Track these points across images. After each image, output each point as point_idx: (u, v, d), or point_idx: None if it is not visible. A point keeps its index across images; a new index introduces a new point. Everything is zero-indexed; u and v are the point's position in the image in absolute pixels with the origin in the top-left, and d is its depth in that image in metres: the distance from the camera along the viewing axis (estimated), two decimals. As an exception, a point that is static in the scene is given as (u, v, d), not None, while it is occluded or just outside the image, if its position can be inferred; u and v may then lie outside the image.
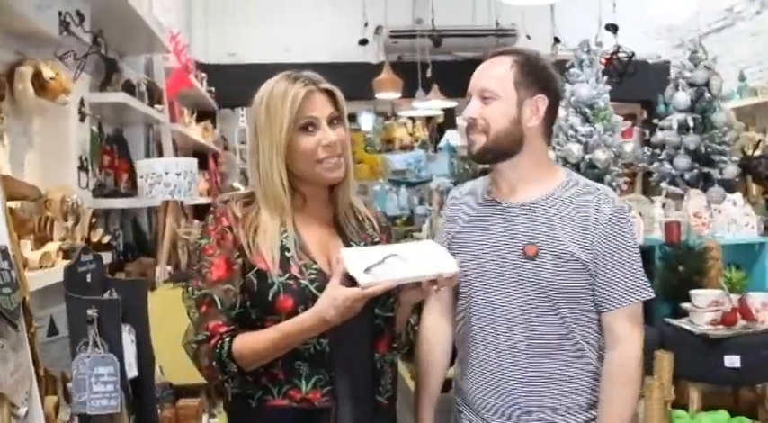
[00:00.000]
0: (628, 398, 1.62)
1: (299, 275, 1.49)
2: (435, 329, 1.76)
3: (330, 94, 1.55)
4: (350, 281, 1.39)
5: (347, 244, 1.58)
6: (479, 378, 1.66)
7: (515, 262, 1.61)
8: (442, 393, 1.80)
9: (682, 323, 2.90)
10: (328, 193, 1.61)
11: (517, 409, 1.63)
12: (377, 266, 1.40)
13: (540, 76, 1.65)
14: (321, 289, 1.46)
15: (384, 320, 1.58)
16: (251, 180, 1.59)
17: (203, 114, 5.99)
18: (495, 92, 1.61)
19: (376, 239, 1.64)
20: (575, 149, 3.49)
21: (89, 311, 1.40)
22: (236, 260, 1.50)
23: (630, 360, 1.62)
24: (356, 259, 1.42)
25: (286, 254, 1.51)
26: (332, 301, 1.39)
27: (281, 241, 1.52)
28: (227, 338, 1.46)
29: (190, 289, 1.51)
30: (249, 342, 1.45)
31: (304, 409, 1.49)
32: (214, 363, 1.46)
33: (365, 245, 1.60)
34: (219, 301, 1.47)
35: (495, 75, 1.63)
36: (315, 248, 1.55)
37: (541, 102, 1.63)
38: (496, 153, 1.64)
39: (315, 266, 1.51)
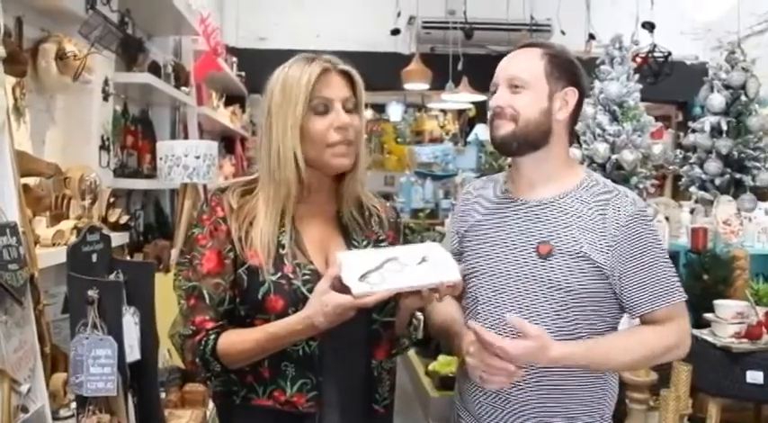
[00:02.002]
0: (643, 345, 1.55)
1: (291, 275, 1.42)
2: (445, 304, 1.68)
3: (348, 77, 1.48)
4: (344, 285, 1.32)
5: (349, 242, 1.51)
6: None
7: (528, 261, 1.55)
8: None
9: (703, 334, 2.81)
10: (334, 185, 1.53)
11: (520, 418, 1.57)
12: (373, 273, 1.33)
13: (570, 70, 1.60)
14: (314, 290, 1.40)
15: (383, 326, 1.51)
16: (259, 164, 1.52)
17: (233, 99, 6.00)
18: (527, 81, 1.56)
19: (381, 237, 1.57)
20: (601, 149, 3.40)
21: (89, 292, 1.38)
22: (228, 254, 1.45)
23: (670, 331, 1.55)
24: (352, 264, 1.34)
25: (280, 251, 1.44)
26: (322, 307, 1.32)
27: (278, 238, 1.45)
28: (213, 336, 1.42)
29: (180, 278, 1.47)
30: (234, 341, 1.41)
31: (288, 412, 1.44)
32: (197, 360, 1.43)
33: (368, 243, 1.53)
34: (208, 295, 1.43)
35: (526, 64, 1.58)
36: (312, 247, 1.48)
37: (572, 95, 1.59)
38: (522, 142, 1.57)
39: (310, 267, 1.44)
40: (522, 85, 1.56)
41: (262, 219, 1.46)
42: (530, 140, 1.57)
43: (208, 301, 1.43)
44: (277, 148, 1.44)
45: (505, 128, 1.57)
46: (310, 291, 1.39)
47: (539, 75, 1.56)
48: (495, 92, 1.61)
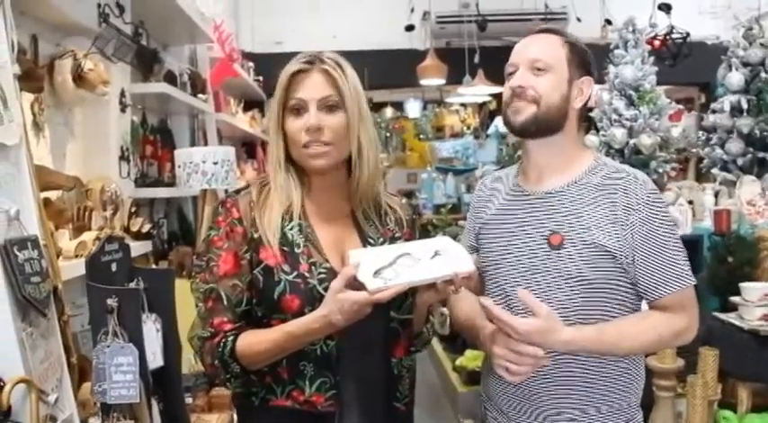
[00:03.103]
0: (653, 330, 1.53)
1: (307, 274, 1.43)
2: (469, 300, 1.68)
3: (330, 75, 1.45)
4: (359, 282, 1.33)
5: (364, 240, 1.52)
6: None
7: (540, 252, 1.55)
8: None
9: (730, 318, 2.76)
10: (347, 184, 1.54)
11: (546, 410, 1.56)
12: (387, 269, 1.34)
13: (586, 60, 1.61)
14: None
15: (401, 323, 1.52)
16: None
17: (251, 104, 6.04)
18: (550, 63, 1.55)
19: (397, 235, 1.57)
20: (618, 134, 3.35)
21: (109, 301, 1.41)
22: (244, 255, 1.46)
23: (679, 316, 1.54)
24: (365, 262, 1.35)
25: (295, 250, 1.45)
26: (339, 305, 1.33)
27: (291, 235, 1.47)
28: (231, 337, 1.43)
29: (197, 281, 1.48)
30: (252, 342, 1.42)
31: (307, 411, 1.45)
32: (216, 361, 1.44)
33: (384, 241, 1.53)
34: (226, 296, 1.44)
35: (549, 47, 1.57)
36: (327, 245, 1.48)
37: (587, 84, 1.60)
38: (542, 126, 1.56)
39: (325, 265, 1.45)
40: (546, 67, 1.55)
41: (271, 206, 1.49)
42: (548, 124, 1.56)
43: (225, 302, 1.44)
44: (270, 148, 1.51)
45: (527, 110, 1.55)
46: (326, 289, 1.39)
47: (561, 59, 1.56)
48: (512, 73, 1.59)
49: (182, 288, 1.72)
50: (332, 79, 1.46)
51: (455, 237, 1.59)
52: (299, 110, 1.46)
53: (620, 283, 1.55)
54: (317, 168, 1.48)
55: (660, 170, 3.35)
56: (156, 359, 1.58)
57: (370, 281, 1.32)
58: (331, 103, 1.46)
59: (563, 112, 1.57)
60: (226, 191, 3.40)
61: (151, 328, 1.58)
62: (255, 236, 1.47)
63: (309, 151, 1.45)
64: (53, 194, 2.17)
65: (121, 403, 1.42)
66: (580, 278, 1.52)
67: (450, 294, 1.46)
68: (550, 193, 1.59)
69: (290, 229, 1.47)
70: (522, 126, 1.57)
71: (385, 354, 1.51)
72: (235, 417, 2.32)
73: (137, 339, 1.44)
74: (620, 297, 1.56)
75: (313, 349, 1.44)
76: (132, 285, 1.58)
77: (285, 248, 1.45)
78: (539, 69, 1.55)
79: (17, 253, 1.40)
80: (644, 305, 1.61)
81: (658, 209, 1.55)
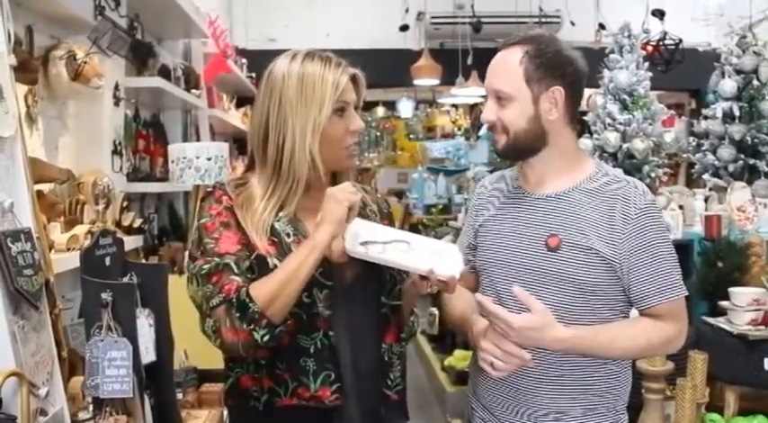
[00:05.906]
0: (644, 336, 1.54)
1: None
2: (464, 298, 1.70)
3: (355, 80, 1.53)
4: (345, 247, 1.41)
5: None
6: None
7: (537, 254, 1.56)
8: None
9: (719, 322, 2.79)
10: (329, 180, 1.55)
11: (532, 409, 1.58)
12: (378, 244, 1.39)
13: (553, 65, 1.54)
14: (325, 275, 1.43)
15: (391, 310, 1.55)
16: (258, 154, 1.51)
17: (244, 100, 6.02)
18: (509, 93, 1.54)
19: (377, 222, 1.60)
20: (612, 138, 3.38)
21: (103, 295, 1.40)
22: (243, 236, 1.44)
23: (670, 325, 1.55)
24: (363, 229, 1.41)
25: (285, 239, 1.46)
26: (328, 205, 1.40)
27: (279, 226, 1.47)
28: (244, 288, 1.36)
29: (196, 266, 1.41)
30: (263, 282, 1.37)
31: (314, 407, 1.44)
32: (234, 311, 1.34)
33: None
34: (235, 264, 1.39)
35: (506, 73, 1.54)
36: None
37: (558, 93, 1.54)
38: (519, 151, 1.59)
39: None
40: (506, 97, 1.55)
41: (259, 205, 1.47)
42: (525, 148, 1.58)
43: (235, 269, 1.39)
44: (291, 147, 1.45)
45: (501, 141, 1.59)
46: (322, 274, 1.42)
47: (519, 84, 1.53)
48: (487, 97, 1.62)
49: (174, 284, 1.72)
50: (358, 84, 1.54)
51: (443, 236, 1.62)
52: (340, 113, 1.49)
53: (613, 289, 1.56)
54: (349, 167, 1.56)
55: (653, 175, 3.38)
56: (148, 354, 1.58)
57: (351, 245, 1.38)
58: (357, 107, 1.54)
59: (537, 132, 1.56)
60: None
61: (144, 323, 1.57)
62: (243, 224, 1.47)
63: (349, 151, 1.52)
64: (45, 187, 2.16)
65: (114, 398, 1.41)
66: (574, 281, 1.53)
67: (424, 292, 1.51)
68: (551, 197, 1.60)
69: (278, 220, 1.48)
70: (502, 153, 1.65)
71: (376, 339, 1.53)
72: (224, 413, 2.32)
73: (131, 334, 1.43)
74: (611, 302, 1.57)
75: (312, 343, 1.44)
76: (125, 280, 1.57)
77: (274, 238, 1.46)
78: (500, 99, 1.56)
79: (10, 245, 1.39)
80: (633, 311, 1.63)
81: (655, 219, 1.57)
